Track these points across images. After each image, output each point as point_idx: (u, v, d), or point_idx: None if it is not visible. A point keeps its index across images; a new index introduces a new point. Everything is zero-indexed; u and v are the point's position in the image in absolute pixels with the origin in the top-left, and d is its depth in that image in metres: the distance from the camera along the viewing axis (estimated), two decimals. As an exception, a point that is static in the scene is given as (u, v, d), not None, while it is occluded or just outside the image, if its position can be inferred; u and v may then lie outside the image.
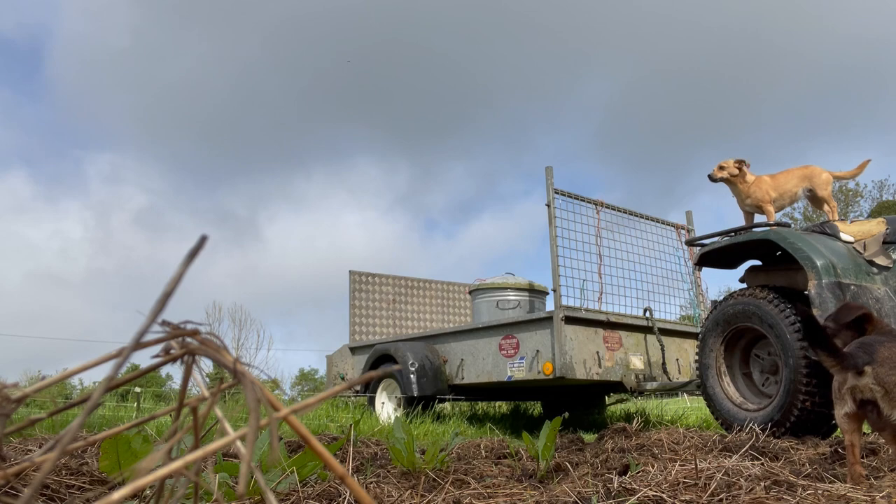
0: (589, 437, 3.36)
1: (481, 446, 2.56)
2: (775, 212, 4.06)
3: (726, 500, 1.34)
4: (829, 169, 4.18)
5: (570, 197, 5.72)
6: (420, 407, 5.77)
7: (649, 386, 5.41)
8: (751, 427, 2.93)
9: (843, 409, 1.68)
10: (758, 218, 4.16)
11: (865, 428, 1.97)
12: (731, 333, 3.68)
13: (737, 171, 4.09)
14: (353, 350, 7.42)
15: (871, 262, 3.40)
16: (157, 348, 0.52)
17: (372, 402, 6.55)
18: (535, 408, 8.04)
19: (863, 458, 2.06)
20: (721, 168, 4.14)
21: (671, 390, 6.00)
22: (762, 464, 1.75)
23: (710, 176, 4.18)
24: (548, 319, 5.27)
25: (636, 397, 6.84)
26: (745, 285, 3.91)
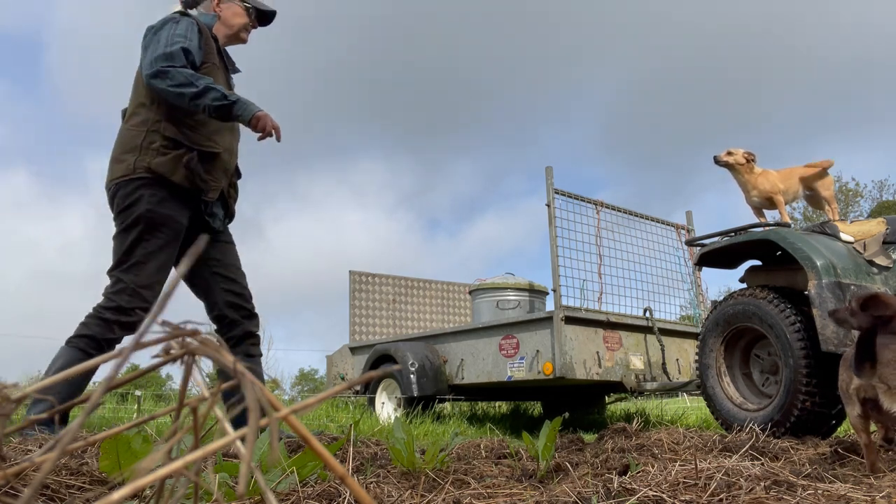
0: (589, 437, 3.36)
1: (481, 446, 2.56)
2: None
3: (726, 500, 1.34)
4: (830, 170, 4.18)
5: (571, 197, 5.72)
6: (420, 407, 5.77)
7: (649, 386, 5.41)
8: (751, 427, 2.93)
9: (855, 411, 1.79)
10: (768, 215, 4.15)
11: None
12: (731, 333, 3.68)
13: (743, 161, 4.07)
14: (353, 350, 7.42)
15: (871, 262, 3.40)
16: (158, 348, 0.52)
17: (372, 402, 6.55)
18: (535, 408, 8.04)
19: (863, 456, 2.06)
20: (729, 153, 4.11)
21: (671, 390, 6.00)
22: (762, 464, 1.75)
23: (715, 158, 4.15)
24: (548, 319, 5.27)
25: (636, 397, 6.84)
26: (745, 285, 3.91)
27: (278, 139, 2.73)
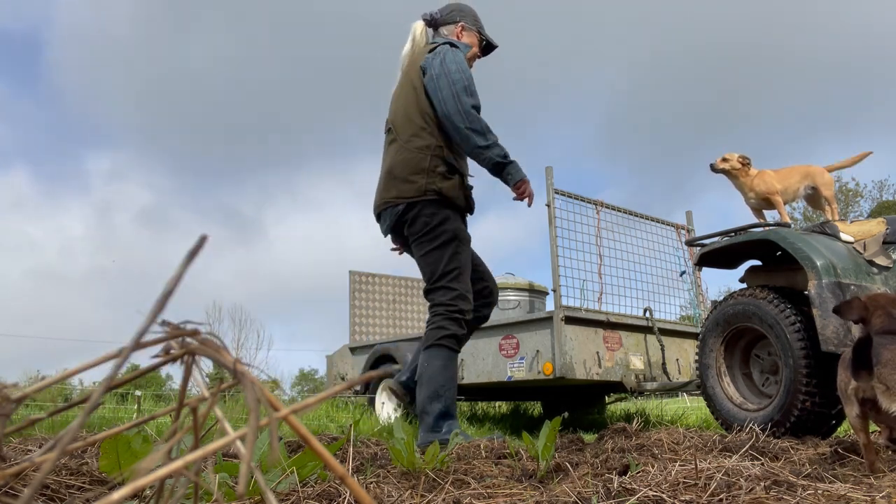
0: (589, 437, 3.36)
1: (481, 446, 2.56)
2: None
3: (726, 500, 1.34)
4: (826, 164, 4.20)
5: (570, 197, 5.72)
6: (420, 407, 5.76)
7: (649, 386, 5.41)
8: (751, 427, 2.93)
9: (854, 411, 1.78)
10: (768, 215, 4.16)
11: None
12: (731, 333, 3.68)
13: (739, 166, 4.09)
14: (353, 350, 7.42)
15: (871, 262, 3.40)
16: (158, 348, 0.52)
17: (372, 402, 6.54)
18: (535, 408, 8.04)
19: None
20: (724, 160, 4.14)
21: (671, 390, 5.99)
22: (762, 464, 1.75)
23: (711, 165, 4.19)
24: (548, 319, 5.26)
25: (636, 397, 6.84)
26: (745, 285, 3.91)
27: (530, 205, 3.07)
